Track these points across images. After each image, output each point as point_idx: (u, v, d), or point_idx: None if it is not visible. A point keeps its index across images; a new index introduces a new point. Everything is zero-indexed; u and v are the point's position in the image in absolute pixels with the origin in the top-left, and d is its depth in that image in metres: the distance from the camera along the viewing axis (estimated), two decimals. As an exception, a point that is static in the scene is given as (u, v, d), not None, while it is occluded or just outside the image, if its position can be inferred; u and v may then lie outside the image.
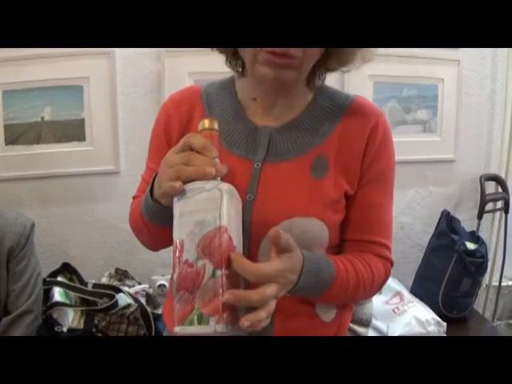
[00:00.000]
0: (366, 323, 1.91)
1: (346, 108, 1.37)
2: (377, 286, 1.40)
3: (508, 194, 3.14)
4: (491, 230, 3.27)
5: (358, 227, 1.39)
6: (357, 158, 1.34)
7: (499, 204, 3.21)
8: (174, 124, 1.41)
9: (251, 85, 1.37)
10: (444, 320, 2.61)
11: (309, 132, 1.34)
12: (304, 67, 1.25)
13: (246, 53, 1.24)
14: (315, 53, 1.23)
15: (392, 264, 1.43)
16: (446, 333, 2.60)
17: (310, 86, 1.38)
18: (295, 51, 1.18)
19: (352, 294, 1.34)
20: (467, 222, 3.04)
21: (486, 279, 3.11)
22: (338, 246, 1.40)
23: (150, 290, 2.55)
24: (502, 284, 3.30)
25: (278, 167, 1.32)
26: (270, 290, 1.05)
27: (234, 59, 1.36)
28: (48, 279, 2.32)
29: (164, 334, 1.60)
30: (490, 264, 2.97)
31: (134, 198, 1.50)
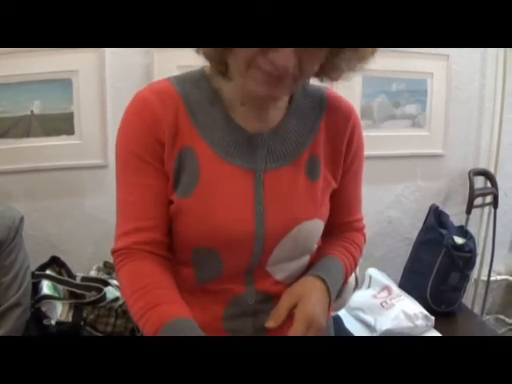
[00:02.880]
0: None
1: (324, 104, 1.39)
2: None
3: (497, 189, 3.16)
4: (480, 224, 3.29)
5: (341, 213, 1.49)
6: (341, 154, 1.39)
7: (488, 199, 3.22)
8: (163, 132, 1.26)
9: (238, 91, 1.29)
10: (432, 314, 2.63)
11: (297, 133, 1.35)
12: (298, 83, 1.23)
13: (238, 64, 1.17)
14: (311, 69, 1.21)
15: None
16: (434, 327, 2.63)
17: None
18: (292, 71, 1.14)
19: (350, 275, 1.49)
20: (456, 216, 3.05)
21: (474, 274, 3.12)
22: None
23: (139, 284, 2.52)
24: (491, 279, 3.33)
25: (278, 174, 1.32)
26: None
27: (219, 64, 1.25)
28: (36, 272, 2.32)
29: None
30: (478, 258, 2.99)
31: (122, 234, 1.31)
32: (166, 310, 1.20)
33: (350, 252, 1.48)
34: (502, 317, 3.56)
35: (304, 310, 1.28)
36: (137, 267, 1.27)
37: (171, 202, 1.29)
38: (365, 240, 1.58)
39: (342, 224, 1.51)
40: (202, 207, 1.26)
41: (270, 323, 1.29)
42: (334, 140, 1.37)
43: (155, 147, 1.26)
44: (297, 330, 1.24)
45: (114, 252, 1.31)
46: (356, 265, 1.54)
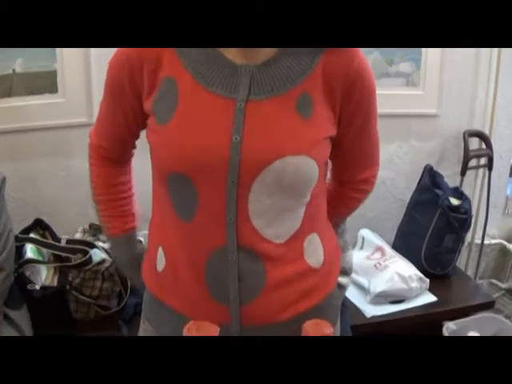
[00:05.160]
0: (349, 271, 1.88)
1: None
2: None
3: (492, 151, 3.10)
4: (474, 187, 3.23)
5: (350, 170, 1.51)
6: (336, 98, 1.33)
7: (483, 161, 3.17)
8: (141, 75, 1.33)
9: None
10: (427, 277, 2.60)
11: (290, 69, 1.29)
12: None
13: None
14: None
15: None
16: (429, 289, 2.59)
17: None
18: None
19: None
20: (450, 178, 2.99)
21: (468, 237, 3.07)
22: (321, 184, 1.41)
23: (126, 245, 2.47)
24: (485, 242, 3.29)
25: (262, 106, 1.28)
26: None
27: None
28: (20, 236, 2.27)
29: (145, 295, 1.56)
30: (472, 222, 2.93)
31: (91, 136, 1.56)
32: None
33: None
34: (494, 281, 3.54)
35: None
36: (97, 171, 1.57)
37: (153, 132, 1.34)
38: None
39: (352, 182, 1.53)
40: (178, 134, 1.28)
41: None
42: (331, 82, 1.31)
43: (131, 79, 1.34)
44: None
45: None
46: None
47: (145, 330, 1.55)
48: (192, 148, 1.26)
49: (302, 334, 1.05)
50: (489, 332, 1.44)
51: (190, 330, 1.02)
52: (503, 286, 3.51)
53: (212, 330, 1.02)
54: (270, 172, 1.26)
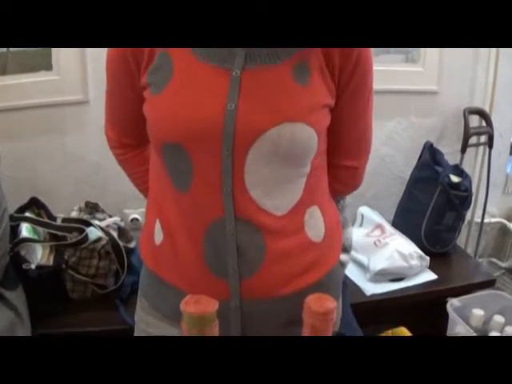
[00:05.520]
0: (349, 248, 1.86)
1: None
2: None
3: (492, 129, 3.07)
4: (474, 165, 3.21)
5: (336, 153, 1.46)
6: (338, 66, 1.30)
7: (483, 138, 3.14)
8: (142, 53, 1.32)
9: None
10: (426, 255, 2.58)
11: None
12: None
13: None
14: None
15: None
16: (429, 267, 2.58)
17: None
18: None
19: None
20: (450, 155, 2.95)
21: (468, 216, 3.04)
22: (322, 155, 1.39)
23: (122, 224, 2.46)
24: (485, 221, 3.27)
25: (259, 74, 1.26)
26: None
27: None
28: (15, 215, 2.23)
29: (142, 272, 1.55)
30: (472, 200, 2.91)
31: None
32: None
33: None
34: (494, 260, 3.54)
35: None
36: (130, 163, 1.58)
37: (148, 103, 1.34)
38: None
39: (337, 167, 1.49)
40: (172, 103, 1.28)
41: None
42: (328, 51, 1.29)
43: (134, 57, 1.33)
44: None
45: None
46: None
47: (142, 307, 1.54)
48: (185, 117, 1.25)
49: (305, 309, 1.02)
50: (493, 309, 1.42)
51: (188, 303, 0.99)
52: (503, 265, 3.51)
53: (211, 305, 0.99)
54: (266, 140, 1.24)
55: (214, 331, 0.99)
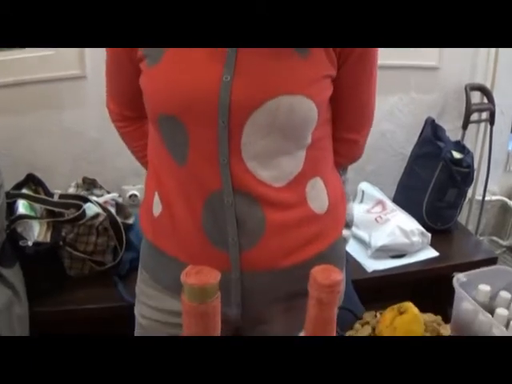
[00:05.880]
0: (350, 224, 1.85)
1: None
2: None
3: (494, 105, 3.03)
4: (475, 142, 3.17)
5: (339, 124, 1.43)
6: None
7: (484, 115, 3.10)
8: None
9: None
10: (428, 231, 2.56)
11: None
12: None
13: None
14: None
15: None
16: (430, 245, 2.56)
17: None
18: None
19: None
20: (451, 132, 2.92)
21: (469, 193, 3.02)
22: (324, 125, 1.37)
23: (120, 200, 2.44)
24: (486, 199, 3.23)
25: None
26: None
27: None
28: (11, 192, 2.21)
29: (142, 244, 1.54)
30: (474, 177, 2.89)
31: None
32: None
33: None
34: (495, 238, 3.51)
35: None
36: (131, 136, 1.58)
37: (144, 75, 1.33)
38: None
39: (338, 139, 1.46)
40: (167, 74, 1.26)
41: None
42: None
43: None
44: None
45: None
46: None
47: (142, 280, 1.52)
48: (181, 88, 1.24)
49: (310, 281, 0.99)
50: (499, 285, 1.40)
51: (189, 274, 0.95)
52: (504, 243, 3.49)
53: (213, 276, 0.95)
54: (263, 113, 1.22)
55: (216, 304, 0.96)
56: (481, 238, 3.35)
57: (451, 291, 1.40)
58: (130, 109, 1.50)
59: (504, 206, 3.44)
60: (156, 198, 1.40)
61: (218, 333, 0.96)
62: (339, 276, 0.98)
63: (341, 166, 1.57)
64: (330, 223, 1.44)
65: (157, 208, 1.40)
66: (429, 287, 2.52)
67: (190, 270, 0.96)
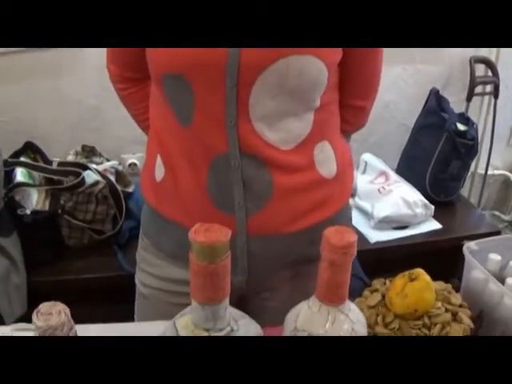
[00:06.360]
0: (353, 193, 1.82)
1: None
2: None
3: (498, 79, 3.00)
4: (479, 115, 3.15)
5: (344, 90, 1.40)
6: None
7: (488, 88, 3.07)
8: None
9: None
10: (431, 203, 2.54)
11: None
12: None
13: None
14: None
15: None
16: (433, 217, 2.54)
17: None
18: None
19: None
20: (455, 104, 2.89)
21: (471, 167, 3.00)
22: (333, 91, 1.34)
23: (120, 167, 2.41)
24: (488, 173, 3.22)
25: None
26: None
27: None
28: (9, 160, 2.20)
29: (143, 210, 1.51)
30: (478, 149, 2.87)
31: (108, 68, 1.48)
32: None
33: None
34: (497, 213, 3.50)
35: None
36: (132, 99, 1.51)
37: None
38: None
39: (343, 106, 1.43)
40: None
41: None
42: None
43: None
44: None
45: None
46: None
47: (143, 247, 1.49)
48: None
49: (323, 242, 0.95)
50: (509, 255, 1.37)
51: (198, 232, 0.91)
52: (506, 218, 3.48)
53: (223, 233, 0.91)
54: (272, 72, 1.18)
55: (226, 263, 0.92)
56: (483, 213, 3.33)
57: (454, 263, 1.38)
58: (131, 70, 1.45)
59: (507, 180, 3.42)
60: (158, 162, 1.37)
61: (227, 294, 0.93)
62: (353, 237, 0.94)
63: (346, 133, 1.54)
64: (338, 189, 1.41)
65: (159, 172, 1.37)
66: (432, 259, 2.50)
67: (199, 228, 0.92)
